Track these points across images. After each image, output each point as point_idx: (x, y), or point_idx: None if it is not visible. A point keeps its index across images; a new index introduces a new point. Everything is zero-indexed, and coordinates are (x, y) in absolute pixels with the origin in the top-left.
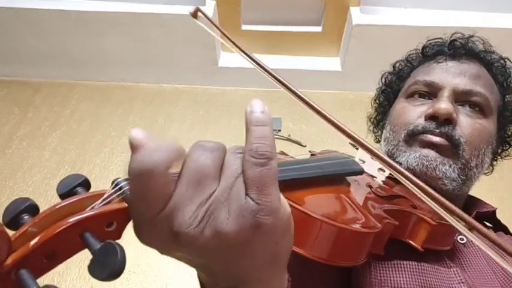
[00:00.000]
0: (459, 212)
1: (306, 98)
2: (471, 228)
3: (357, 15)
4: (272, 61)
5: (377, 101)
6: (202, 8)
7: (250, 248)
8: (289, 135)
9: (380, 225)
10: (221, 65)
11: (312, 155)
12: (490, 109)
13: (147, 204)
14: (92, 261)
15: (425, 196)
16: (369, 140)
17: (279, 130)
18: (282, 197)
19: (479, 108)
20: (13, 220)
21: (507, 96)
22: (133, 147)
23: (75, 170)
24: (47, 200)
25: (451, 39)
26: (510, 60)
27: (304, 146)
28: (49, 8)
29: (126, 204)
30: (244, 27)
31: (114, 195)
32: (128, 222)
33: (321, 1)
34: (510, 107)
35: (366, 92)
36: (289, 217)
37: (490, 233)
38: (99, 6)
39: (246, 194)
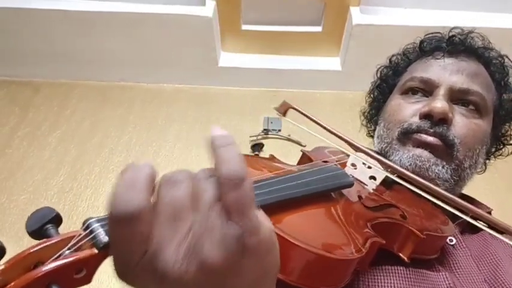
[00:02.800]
0: (460, 202)
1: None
2: (474, 217)
3: (357, 15)
4: (272, 61)
5: (371, 96)
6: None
7: (238, 271)
8: (289, 135)
9: (365, 249)
10: (221, 65)
11: (303, 155)
12: (486, 108)
13: (131, 250)
14: None
15: (426, 194)
16: (362, 134)
17: (279, 130)
18: (259, 213)
19: (475, 108)
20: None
21: (504, 94)
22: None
23: (75, 170)
24: (47, 200)
25: (450, 34)
26: (509, 58)
27: (304, 146)
28: (49, 8)
29: (97, 251)
30: (244, 27)
31: (85, 240)
32: (98, 266)
33: (321, 1)
34: (506, 106)
35: (366, 92)
36: (271, 232)
37: (492, 217)
38: (99, 6)
39: (227, 220)
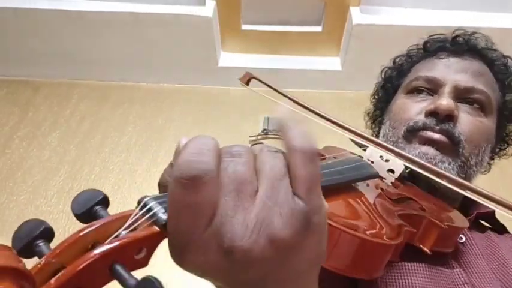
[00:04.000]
0: (478, 189)
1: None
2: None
3: (357, 15)
4: (272, 61)
5: (376, 96)
6: (202, 8)
7: (301, 248)
8: None
9: (402, 236)
10: (221, 65)
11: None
12: (490, 107)
13: (195, 219)
14: None
15: (445, 182)
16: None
17: (279, 130)
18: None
19: (480, 106)
20: (26, 247)
21: (507, 95)
22: (180, 152)
23: (75, 170)
24: (47, 200)
25: (454, 35)
26: (511, 59)
27: None
28: (49, 8)
29: (158, 228)
30: (244, 27)
31: (143, 219)
32: (157, 246)
33: (321, 1)
34: (510, 105)
35: (366, 92)
36: (327, 214)
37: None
38: (99, 6)
39: (294, 194)
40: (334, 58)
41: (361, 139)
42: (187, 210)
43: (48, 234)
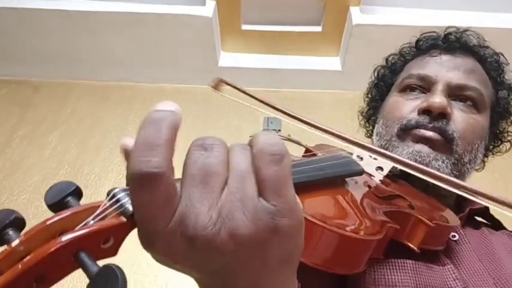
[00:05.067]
0: (468, 186)
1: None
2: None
3: (357, 15)
4: (272, 61)
5: (369, 95)
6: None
7: (265, 249)
8: (289, 135)
9: (383, 232)
10: (221, 65)
11: (307, 150)
12: (483, 104)
13: (155, 214)
14: (89, 286)
15: (434, 180)
16: (360, 134)
17: (279, 130)
18: (295, 195)
19: (473, 103)
20: None
21: (500, 91)
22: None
23: (75, 170)
24: None
25: (445, 33)
26: (504, 56)
27: (304, 146)
28: (49, 8)
29: (125, 219)
30: (244, 27)
31: (111, 209)
32: (126, 236)
33: (321, 1)
34: (503, 102)
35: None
36: (302, 216)
37: (500, 197)
38: (99, 6)
39: (260, 195)
40: (334, 58)
41: (341, 140)
42: (148, 206)
43: (18, 223)
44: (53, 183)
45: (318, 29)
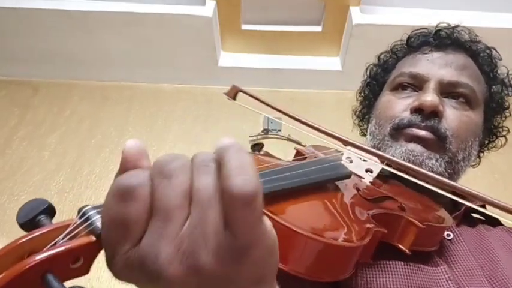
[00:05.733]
0: (459, 187)
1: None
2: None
3: (357, 15)
4: (272, 61)
5: (362, 94)
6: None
7: (235, 277)
8: (289, 135)
9: (368, 237)
10: (221, 65)
11: (297, 153)
12: (476, 100)
13: (121, 234)
14: None
15: (424, 183)
16: (354, 133)
17: (279, 130)
18: (265, 219)
19: (465, 100)
20: None
21: (493, 86)
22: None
23: (75, 171)
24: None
25: (436, 29)
26: (496, 50)
27: (304, 146)
28: (49, 8)
29: (94, 238)
30: (244, 27)
31: (81, 227)
32: (96, 255)
33: (321, 1)
34: (497, 97)
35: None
36: (274, 241)
37: (492, 198)
38: (99, 6)
39: (226, 227)
40: (334, 58)
41: (338, 142)
42: (116, 222)
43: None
44: (53, 184)
45: (318, 29)
